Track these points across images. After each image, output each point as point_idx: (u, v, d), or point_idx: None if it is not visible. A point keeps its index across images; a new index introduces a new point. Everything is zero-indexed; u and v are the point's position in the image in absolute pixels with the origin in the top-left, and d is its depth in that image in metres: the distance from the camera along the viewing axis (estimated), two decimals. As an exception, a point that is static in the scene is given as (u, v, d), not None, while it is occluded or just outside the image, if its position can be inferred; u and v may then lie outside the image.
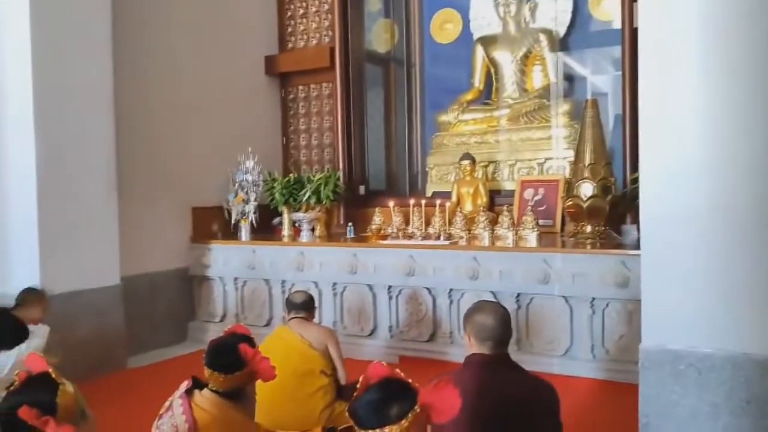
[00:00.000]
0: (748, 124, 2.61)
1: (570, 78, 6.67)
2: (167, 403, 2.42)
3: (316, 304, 5.08)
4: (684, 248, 2.67)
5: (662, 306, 2.71)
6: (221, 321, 5.96)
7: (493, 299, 4.80)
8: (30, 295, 4.05)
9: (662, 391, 2.63)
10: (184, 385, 2.44)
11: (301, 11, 7.12)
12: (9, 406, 1.80)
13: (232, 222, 6.17)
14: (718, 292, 2.62)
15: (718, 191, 2.62)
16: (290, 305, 3.69)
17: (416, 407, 1.68)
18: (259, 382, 2.99)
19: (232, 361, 2.44)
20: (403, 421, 1.66)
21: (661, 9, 2.81)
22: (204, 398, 2.40)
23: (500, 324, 2.41)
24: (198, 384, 2.46)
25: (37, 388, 1.84)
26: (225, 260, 5.92)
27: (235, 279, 5.91)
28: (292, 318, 3.63)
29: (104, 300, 4.93)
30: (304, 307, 3.65)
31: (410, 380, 1.81)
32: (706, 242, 2.64)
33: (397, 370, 1.85)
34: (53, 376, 1.91)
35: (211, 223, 6.21)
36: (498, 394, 2.31)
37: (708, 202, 2.65)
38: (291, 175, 6.42)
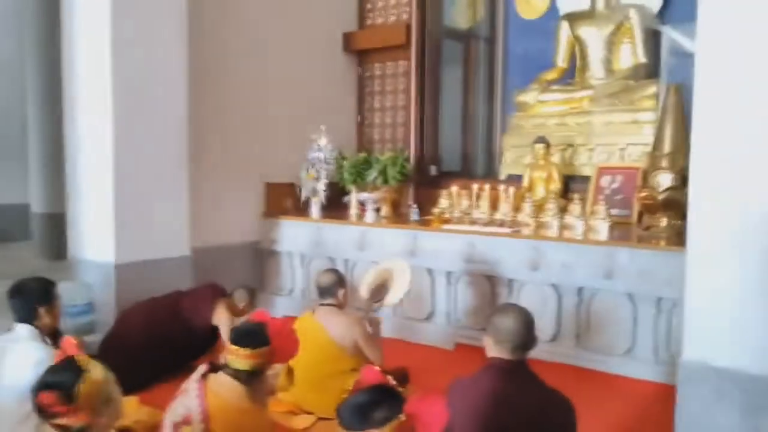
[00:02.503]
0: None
1: (660, 58, 6.20)
2: (183, 386, 2.51)
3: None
4: (737, 254, 2.42)
5: (707, 317, 2.48)
6: (289, 295, 6.11)
7: (553, 292, 4.63)
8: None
9: (700, 409, 2.43)
10: (201, 369, 2.52)
11: (381, -14, 7.03)
12: (36, 387, 1.94)
13: (303, 199, 6.26)
14: (772, 309, 2.35)
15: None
16: (318, 289, 3.68)
17: (400, 415, 1.68)
18: (296, 376, 3.05)
19: (259, 337, 2.50)
20: (384, 427, 1.67)
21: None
22: (218, 382, 2.47)
23: (519, 327, 2.31)
24: (214, 369, 2.53)
25: (63, 373, 1.96)
26: (293, 236, 6.04)
27: (302, 255, 6.02)
28: (320, 304, 3.62)
29: (174, 270, 5.14)
30: (331, 291, 3.63)
31: (400, 389, 1.81)
32: (760, 247, 2.38)
33: (390, 377, 1.83)
34: (81, 362, 2.01)
35: (283, 199, 6.34)
36: (513, 404, 2.22)
37: (761, 207, 2.38)
38: (360, 154, 6.40)
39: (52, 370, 2.00)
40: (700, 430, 2.48)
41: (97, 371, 1.98)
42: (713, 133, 2.56)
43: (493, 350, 2.32)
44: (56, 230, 8.21)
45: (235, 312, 4.43)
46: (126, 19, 4.77)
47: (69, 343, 2.10)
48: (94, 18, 4.82)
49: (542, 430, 2.16)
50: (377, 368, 1.81)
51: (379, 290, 4.09)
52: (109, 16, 4.70)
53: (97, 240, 4.94)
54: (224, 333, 4.27)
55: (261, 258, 6.30)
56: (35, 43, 8.66)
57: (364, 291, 4.21)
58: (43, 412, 1.88)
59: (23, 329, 2.95)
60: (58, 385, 1.89)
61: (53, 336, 3.08)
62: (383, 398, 1.74)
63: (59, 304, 3.14)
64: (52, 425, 1.87)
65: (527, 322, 2.31)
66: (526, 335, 2.30)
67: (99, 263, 4.89)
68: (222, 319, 4.29)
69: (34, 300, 3.00)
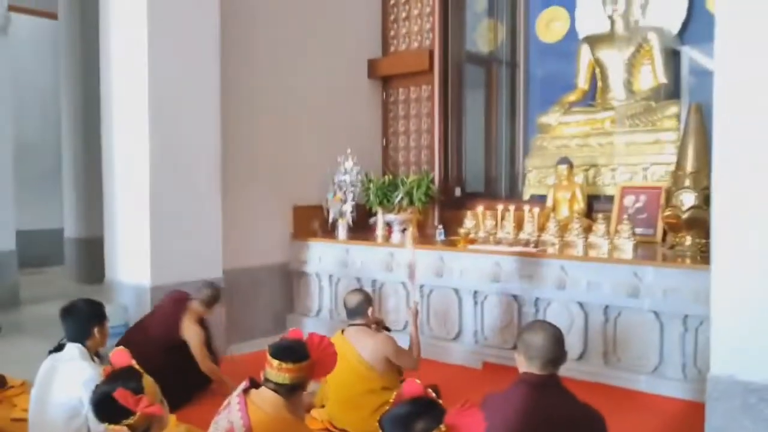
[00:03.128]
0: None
1: (681, 79, 6.28)
2: (226, 402, 2.63)
3: (403, 303, 5.22)
4: (758, 271, 2.49)
5: (734, 332, 2.55)
6: (317, 315, 6.23)
7: (580, 311, 4.69)
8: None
9: (730, 424, 2.49)
10: (242, 385, 2.63)
11: (404, 14, 7.22)
12: (103, 392, 2.10)
13: (330, 221, 6.40)
14: (796, 323, 2.42)
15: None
16: (347, 310, 3.78)
17: (441, 426, 1.76)
18: (330, 394, 3.16)
19: (298, 351, 2.61)
20: None
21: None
22: (260, 397, 2.58)
23: (549, 343, 2.39)
24: (255, 385, 2.64)
25: (124, 377, 2.16)
26: (321, 257, 6.18)
27: (330, 276, 6.15)
28: (350, 325, 3.72)
29: (207, 292, 5.30)
30: (359, 311, 3.72)
31: (439, 402, 1.89)
32: (786, 268, 2.45)
33: (430, 390, 1.93)
34: (136, 368, 2.22)
35: (311, 221, 6.49)
36: (544, 416, 2.30)
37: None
38: (386, 176, 6.54)
39: (112, 377, 2.16)
40: (729, 443, 2.53)
41: (147, 376, 2.16)
42: (733, 151, 2.65)
43: (525, 366, 2.41)
44: (89, 254, 8.49)
45: (203, 313, 4.56)
46: (161, 51, 5.01)
47: (122, 352, 2.26)
48: (131, 47, 5.06)
49: (574, 441, 2.24)
50: (418, 381, 1.90)
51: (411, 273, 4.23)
52: (146, 47, 4.94)
53: (133, 263, 5.13)
54: (194, 347, 4.39)
55: (290, 279, 6.44)
56: (70, 73, 9.04)
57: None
58: (113, 413, 2.03)
59: (74, 348, 3.09)
60: (126, 384, 2.06)
61: (99, 355, 3.22)
62: (424, 409, 1.82)
63: (108, 325, 3.28)
64: (119, 428, 2.01)
65: (557, 337, 2.40)
66: (557, 351, 2.38)
67: (134, 285, 5.08)
68: (189, 334, 4.40)
69: (86, 320, 3.14)
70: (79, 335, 3.14)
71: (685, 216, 4.68)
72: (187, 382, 4.33)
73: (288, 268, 6.42)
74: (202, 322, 4.56)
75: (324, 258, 6.17)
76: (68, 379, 2.99)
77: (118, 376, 2.18)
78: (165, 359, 3.93)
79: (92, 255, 7.75)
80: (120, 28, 5.18)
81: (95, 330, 3.17)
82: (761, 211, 2.62)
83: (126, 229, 5.20)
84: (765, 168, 2.66)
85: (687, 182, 4.76)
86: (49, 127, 10.74)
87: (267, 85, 6.15)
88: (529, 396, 2.30)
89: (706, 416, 2.62)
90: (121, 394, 2.06)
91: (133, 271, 5.09)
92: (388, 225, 6.10)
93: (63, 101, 9.34)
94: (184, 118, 5.18)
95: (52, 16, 9.66)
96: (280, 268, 6.37)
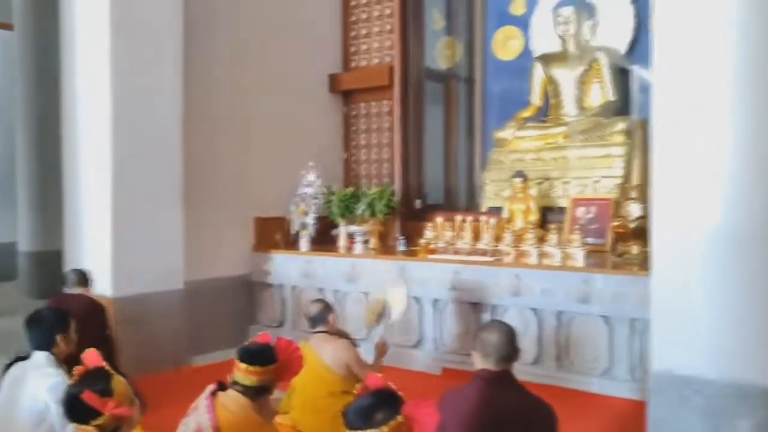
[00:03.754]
0: (761, 155, 2.63)
1: (630, 96, 6.61)
2: (193, 404, 2.71)
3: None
4: (694, 275, 2.71)
5: (671, 332, 2.76)
6: (279, 326, 6.30)
7: (534, 316, 4.89)
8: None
9: (669, 415, 2.68)
10: (210, 387, 2.72)
11: (365, 31, 7.41)
12: (71, 394, 2.16)
13: (293, 232, 6.50)
14: (727, 321, 2.64)
15: (732, 220, 2.66)
16: (308, 320, 3.89)
17: (398, 417, 1.90)
18: (294, 399, 3.24)
19: (266, 354, 2.70)
20: (383, 427, 1.89)
21: (678, 36, 2.86)
22: (228, 398, 2.66)
23: (503, 341, 2.54)
24: (223, 388, 2.73)
25: (93, 379, 2.21)
26: (283, 269, 6.27)
27: (293, 287, 6.23)
28: (313, 333, 3.82)
29: (169, 303, 5.35)
30: (320, 319, 3.83)
31: (400, 394, 2.03)
32: (717, 271, 2.68)
33: (391, 383, 2.07)
34: (107, 368, 2.28)
35: (273, 233, 6.57)
36: (497, 409, 2.45)
37: (720, 231, 2.69)
38: (348, 189, 6.68)
39: (84, 377, 2.21)
40: (668, 433, 2.73)
41: (118, 376, 2.22)
42: (669, 163, 2.87)
43: (481, 363, 2.55)
44: (44, 268, 8.34)
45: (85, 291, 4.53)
46: (123, 64, 5.07)
47: (93, 355, 2.32)
48: (93, 61, 5.10)
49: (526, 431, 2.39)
50: (380, 375, 2.03)
51: (383, 315, 4.32)
52: (108, 60, 4.99)
53: (95, 275, 5.11)
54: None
55: (252, 291, 6.50)
56: (25, 83, 8.90)
57: (371, 320, 4.43)
58: (81, 414, 2.08)
59: (41, 356, 3.12)
60: (94, 386, 2.12)
61: (68, 363, 3.25)
62: (384, 401, 1.96)
63: (74, 335, 3.32)
64: (88, 428, 2.07)
65: (510, 335, 2.55)
66: (510, 348, 2.53)
67: (97, 297, 5.06)
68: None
69: (50, 328, 3.18)
70: (44, 343, 3.17)
71: (632, 226, 4.94)
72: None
73: (250, 279, 6.48)
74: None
75: (286, 269, 6.26)
76: (34, 385, 3.02)
77: (87, 378, 2.23)
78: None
79: (47, 269, 7.63)
80: (82, 42, 5.22)
81: (59, 338, 3.21)
82: (694, 219, 2.83)
83: (88, 241, 5.21)
84: (697, 178, 2.88)
85: (634, 194, 5.03)
86: (1, 138, 10.53)
87: (229, 99, 6.25)
88: (484, 390, 2.45)
89: (648, 409, 2.82)
90: (89, 396, 2.11)
91: (95, 283, 5.08)
92: (351, 236, 6.23)
93: (17, 112, 9.20)
94: (147, 132, 5.23)
95: (8, 27, 9.54)
96: (241, 279, 6.43)
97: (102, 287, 5.02)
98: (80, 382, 2.22)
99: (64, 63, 5.39)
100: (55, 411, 2.98)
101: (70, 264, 5.38)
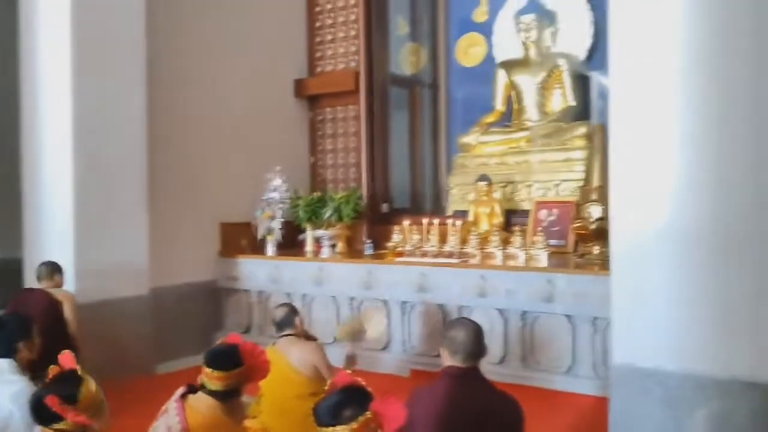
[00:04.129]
0: (712, 155, 2.75)
1: (590, 101, 6.79)
2: (163, 408, 2.70)
3: (333, 316, 5.37)
4: (651, 272, 2.82)
5: (631, 326, 2.86)
6: (246, 332, 6.26)
7: (499, 317, 4.98)
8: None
9: (630, 406, 2.78)
10: (180, 390, 2.71)
11: (330, 37, 7.45)
12: (38, 396, 2.14)
13: (259, 237, 6.48)
14: (683, 315, 2.75)
15: (682, 218, 2.77)
16: (274, 324, 3.89)
17: (367, 413, 1.93)
18: (263, 402, 3.25)
19: (231, 358, 2.70)
20: (353, 423, 1.92)
21: (632, 39, 2.98)
22: (198, 400, 2.66)
23: (470, 338, 2.60)
24: (193, 390, 2.72)
25: (64, 382, 2.19)
26: (250, 274, 6.25)
27: (260, 292, 6.22)
28: (280, 336, 3.83)
29: (134, 309, 5.29)
30: (287, 322, 3.84)
31: (369, 390, 2.06)
32: (672, 267, 2.79)
33: (360, 380, 2.10)
34: (79, 373, 2.26)
35: (239, 238, 6.55)
36: (465, 404, 2.50)
37: (674, 230, 2.80)
38: (315, 193, 6.70)
39: (55, 380, 2.19)
40: (630, 424, 2.82)
41: (91, 381, 2.20)
42: (625, 165, 2.99)
43: (449, 360, 2.61)
44: (3, 276, 8.11)
45: (57, 284, 4.51)
46: (86, 67, 5.02)
47: (67, 356, 2.30)
48: (55, 62, 5.03)
49: (493, 426, 2.45)
50: (349, 371, 2.07)
51: (358, 335, 4.35)
52: (70, 61, 4.93)
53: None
54: (71, 309, 4.39)
55: (218, 296, 6.46)
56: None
57: (344, 337, 4.45)
58: (45, 417, 2.07)
59: (3, 363, 3.07)
60: (62, 390, 2.10)
61: (31, 369, 3.20)
62: (353, 397, 1.99)
63: (37, 339, 3.27)
64: (52, 430, 2.06)
65: (477, 333, 2.61)
66: (477, 345, 2.59)
67: (60, 304, 4.98)
68: (65, 296, 4.41)
69: (11, 336, 3.13)
70: (6, 351, 3.12)
71: (593, 227, 5.08)
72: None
73: (216, 285, 6.44)
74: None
75: (253, 274, 6.24)
76: (-2, 393, 2.96)
77: (58, 380, 2.22)
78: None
79: (7, 277, 7.41)
80: (44, 45, 5.14)
81: (21, 345, 3.16)
82: (650, 219, 2.95)
83: (49, 247, 5.12)
84: (652, 180, 3.00)
85: (594, 196, 5.18)
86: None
87: (195, 104, 6.21)
88: (452, 387, 2.50)
89: (610, 401, 2.91)
90: (51, 401, 2.10)
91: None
92: (318, 240, 6.25)
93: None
94: (110, 136, 5.18)
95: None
96: (207, 285, 6.39)
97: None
98: (50, 385, 2.20)
99: (23, 66, 5.29)
100: (19, 418, 2.93)
101: (30, 272, 5.27)
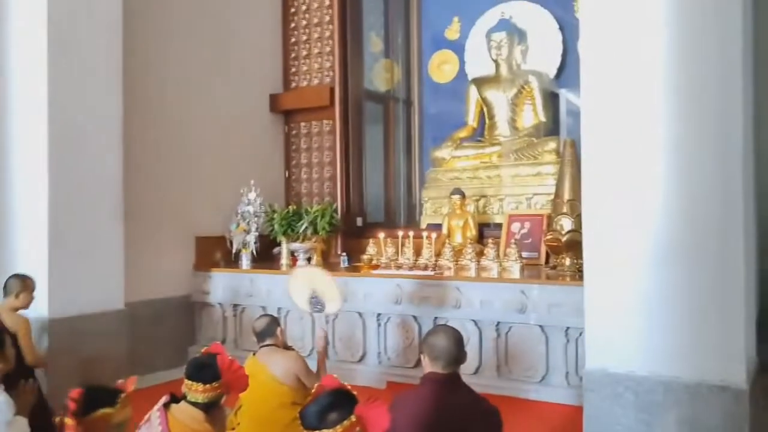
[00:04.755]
0: (681, 168, 2.88)
1: (559, 117, 6.98)
2: (146, 417, 2.70)
3: (309, 329, 5.40)
4: (622, 281, 2.93)
5: (602, 332, 2.96)
6: (221, 345, 6.22)
7: (474, 327, 5.06)
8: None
9: (603, 411, 2.87)
10: (163, 399, 2.72)
11: (305, 53, 7.53)
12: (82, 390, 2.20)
13: (234, 251, 6.48)
14: (652, 322, 2.86)
15: (651, 229, 2.90)
16: (255, 334, 3.92)
17: (351, 417, 1.98)
18: (242, 414, 3.27)
19: (211, 371, 2.72)
20: (337, 427, 1.97)
21: (602, 51, 3.12)
22: (180, 410, 2.67)
23: (451, 345, 2.67)
24: (175, 400, 2.73)
25: (103, 394, 2.31)
26: (225, 287, 6.23)
27: (234, 306, 6.21)
28: (261, 347, 3.86)
29: (109, 324, 5.21)
30: (268, 332, 3.87)
31: (354, 394, 2.11)
32: (643, 276, 2.91)
33: (346, 384, 2.15)
34: (120, 397, 2.34)
35: (214, 252, 6.53)
36: (448, 409, 2.57)
37: (645, 240, 2.92)
38: (290, 207, 6.73)
39: (103, 386, 2.26)
40: (603, 429, 2.91)
41: (124, 413, 2.20)
42: (598, 178, 3.11)
43: (429, 366, 2.67)
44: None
45: (16, 306, 4.35)
46: (62, 80, 4.97)
47: (131, 381, 2.31)
48: (30, 75, 4.99)
49: (475, 430, 2.52)
50: (335, 376, 2.12)
51: (315, 300, 4.42)
52: (46, 74, 4.90)
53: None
54: (23, 336, 4.19)
55: (192, 310, 6.43)
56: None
57: (302, 303, 4.51)
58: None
59: (-21, 375, 3.04)
60: (92, 395, 2.13)
61: (7, 380, 3.17)
62: (339, 402, 2.04)
63: (11, 350, 3.24)
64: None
65: (457, 339, 2.69)
66: (457, 351, 2.67)
67: (32, 319, 4.89)
68: (15, 321, 4.22)
69: (-15, 348, 3.10)
70: None
71: (564, 239, 5.20)
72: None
73: (190, 299, 6.41)
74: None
75: (228, 288, 6.23)
76: (-26, 406, 2.93)
77: (101, 390, 2.32)
78: None
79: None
80: (18, 55, 5.09)
81: None
82: (623, 230, 3.07)
83: (22, 262, 5.03)
84: (624, 193, 3.12)
85: (565, 209, 5.30)
86: None
87: (170, 118, 6.22)
88: (433, 392, 2.56)
89: (584, 406, 3.00)
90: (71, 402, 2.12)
91: (31, 304, 4.93)
92: (293, 253, 6.27)
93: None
94: (85, 150, 5.13)
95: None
96: (182, 299, 6.35)
97: (38, 308, 4.87)
98: (94, 389, 2.33)
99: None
100: (-2, 430, 2.91)
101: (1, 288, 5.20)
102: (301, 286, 4.63)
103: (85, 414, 2.07)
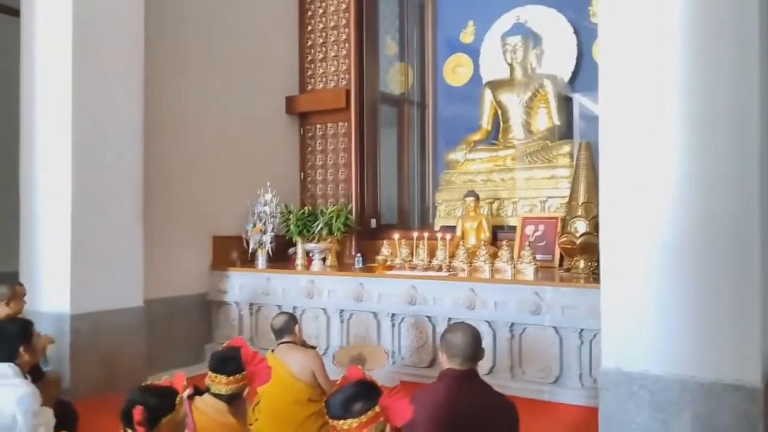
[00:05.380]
0: (697, 171, 2.92)
1: (573, 120, 7.01)
2: None
3: (324, 328, 5.48)
4: (637, 280, 2.97)
5: (619, 332, 3.00)
6: (236, 344, 6.30)
7: (488, 328, 5.10)
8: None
9: (618, 409, 2.90)
10: (187, 391, 2.79)
11: (321, 55, 7.61)
12: (136, 398, 2.09)
13: (250, 251, 6.56)
14: (667, 321, 2.90)
15: (667, 232, 2.94)
16: (274, 332, 3.98)
17: (376, 407, 2.03)
18: (260, 409, 3.33)
19: (235, 363, 2.79)
20: (362, 416, 2.02)
21: (620, 56, 3.16)
22: (204, 402, 2.74)
23: (468, 342, 2.72)
24: (198, 392, 2.80)
25: (162, 398, 2.11)
26: (241, 286, 6.31)
27: (250, 305, 6.28)
28: (279, 344, 3.92)
29: (127, 321, 5.31)
30: (286, 330, 3.93)
31: (379, 385, 2.16)
32: (659, 277, 2.95)
33: (370, 375, 2.20)
34: (178, 398, 2.18)
35: (230, 252, 6.62)
36: (466, 404, 2.61)
37: (658, 241, 2.97)
38: (306, 207, 6.81)
39: (156, 391, 2.16)
40: (619, 427, 2.95)
41: (181, 412, 2.14)
42: (615, 180, 3.15)
43: (447, 363, 2.72)
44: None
45: (7, 314, 4.26)
46: (85, 84, 5.09)
47: (180, 378, 2.34)
48: (55, 79, 5.11)
49: (490, 426, 2.56)
50: (359, 368, 2.17)
51: (356, 359, 4.47)
52: (70, 79, 5.01)
53: (52, 292, 5.08)
54: None
55: (209, 309, 6.51)
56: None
57: (342, 360, 4.58)
58: (126, 421, 2.07)
59: (6, 368, 3.11)
60: (154, 406, 2.06)
61: (33, 372, 3.25)
62: (364, 392, 2.08)
63: (37, 343, 3.32)
64: None
65: (475, 337, 2.73)
66: (474, 348, 2.71)
67: (54, 314, 5.01)
68: None
69: (14, 341, 3.17)
70: (7, 356, 3.16)
71: (578, 242, 5.24)
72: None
73: (207, 298, 6.50)
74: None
75: (244, 287, 6.31)
76: (1, 397, 3.00)
77: (159, 393, 2.16)
78: None
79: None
80: (43, 59, 5.21)
81: (22, 349, 3.21)
82: (639, 232, 3.11)
83: (45, 259, 5.15)
84: (640, 195, 3.16)
85: (579, 212, 5.34)
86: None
87: (189, 120, 6.31)
88: (451, 388, 2.61)
89: (600, 405, 3.04)
90: (136, 413, 2.02)
91: (53, 301, 5.03)
92: (308, 254, 6.34)
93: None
94: (107, 152, 5.24)
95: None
96: (199, 298, 6.44)
97: (60, 305, 4.98)
98: (150, 392, 2.16)
99: (23, 81, 5.36)
100: (23, 422, 2.98)
101: (25, 280, 5.29)
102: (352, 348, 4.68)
103: (152, 428, 2.07)
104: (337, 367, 4.56)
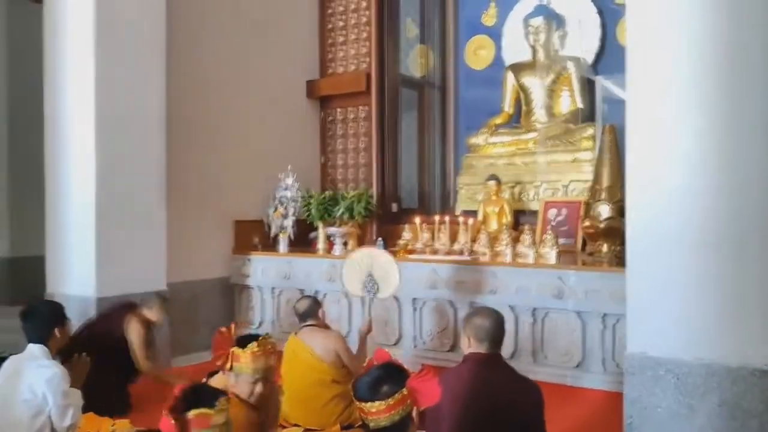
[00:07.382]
0: (723, 155, 2.87)
1: (596, 103, 6.91)
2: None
3: (346, 312, 5.51)
4: (663, 265, 2.94)
5: (644, 316, 2.97)
6: (258, 327, 6.37)
7: (510, 313, 5.08)
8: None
9: (644, 394, 2.88)
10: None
11: (341, 39, 7.57)
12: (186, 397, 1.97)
13: (272, 235, 6.59)
14: (694, 305, 2.87)
15: (694, 215, 2.91)
16: (297, 315, 4.02)
17: (403, 389, 2.04)
18: (283, 391, 3.38)
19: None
20: (389, 399, 2.03)
21: (648, 38, 3.11)
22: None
23: (497, 326, 2.73)
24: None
25: (204, 396, 1.99)
26: (263, 271, 6.35)
27: (272, 288, 6.33)
28: (303, 326, 3.95)
29: (152, 303, 5.37)
30: (310, 313, 3.97)
31: (406, 368, 2.17)
32: (685, 261, 2.92)
33: (397, 358, 2.21)
34: (222, 400, 1.99)
35: (252, 236, 6.65)
36: (490, 387, 2.62)
37: (684, 225, 2.94)
38: (327, 192, 6.82)
39: (201, 387, 2.08)
40: (644, 411, 2.93)
41: (222, 416, 1.97)
42: (641, 166, 3.11)
43: (473, 347, 2.72)
44: (25, 274, 8.10)
45: (149, 322, 4.60)
46: (108, 70, 5.13)
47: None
48: (78, 67, 5.15)
49: (516, 408, 2.56)
50: (386, 350, 2.18)
51: (370, 284, 4.50)
52: (93, 65, 5.05)
53: (78, 276, 5.17)
54: (136, 346, 4.45)
55: (231, 292, 6.57)
56: (6, 85, 8.78)
57: (353, 285, 4.59)
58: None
59: (36, 349, 3.17)
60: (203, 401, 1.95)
61: (63, 353, 3.31)
62: (391, 375, 2.09)
63: (70, 325, 3.38)
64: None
65: (499, 321, 2.73)
66: (500, 331, 2.72)
67: (80, 298, 5.10)
68: (132, 333, 4.47)
69: (48, 321, 3.23)
70: (41, 336, 3.22)
71: (602, 226, 5.19)
72: (125, 386, 4.46)
73: (229, 281, 6.55)
74: (147, 326, 4.60)
75: (266, 271, 6.35)
76: (32, 377, 3.07)
77: (203, 391, 2.05)
78: (106, 357, 3.97)
79: (28, 275, 7.43)
80: (67, 48, 5.25)
81: (56, 331, 3.27)
82: (666, 217, 3.07)
83: (70, 244, 5.22)
84: (667, 179, 3.11)
85: (603, 195, 5.28)
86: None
87: (210, 105, 6.33)
88: (476, 371, 2.62)
89: (624, 388, 3.03)
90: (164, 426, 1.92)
91: (79, 284, 5.12)
92: (330, 238, 6.36)
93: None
94: (130, 134, 5.29)
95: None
96: (221, 282, 6.49)
97: (85, 288, 5.06)
98: (195, 391, 2.01)
99: (46, 66, 5.41)
100: (53, 402, 3.04)
101: (52, 265, 5.39)
102: (358, 267, 4.69)
103: (183, 412, 2.01)
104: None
